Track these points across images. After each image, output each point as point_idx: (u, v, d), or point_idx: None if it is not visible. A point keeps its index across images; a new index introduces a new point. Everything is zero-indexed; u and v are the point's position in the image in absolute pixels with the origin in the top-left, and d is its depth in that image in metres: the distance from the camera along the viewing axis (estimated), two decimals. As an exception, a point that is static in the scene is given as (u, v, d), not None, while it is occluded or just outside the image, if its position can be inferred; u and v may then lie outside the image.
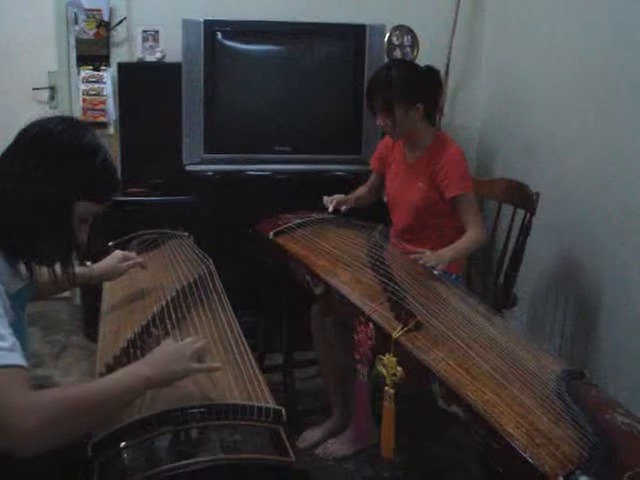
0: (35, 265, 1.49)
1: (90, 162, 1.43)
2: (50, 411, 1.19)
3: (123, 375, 1.34)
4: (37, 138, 1.40)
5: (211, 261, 2.21)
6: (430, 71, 2.65)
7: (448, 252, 2.38)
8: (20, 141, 1.41)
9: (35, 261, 1.47)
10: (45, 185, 1.37)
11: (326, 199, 2.73)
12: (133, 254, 2.11)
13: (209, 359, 1.49)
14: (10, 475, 1.33)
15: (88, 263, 1.99)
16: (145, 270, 2.10)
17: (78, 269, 1.91)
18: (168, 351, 1.40)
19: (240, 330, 1.75)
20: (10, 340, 1.24)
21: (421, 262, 2.24)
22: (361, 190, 2.88)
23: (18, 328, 1.34)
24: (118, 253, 2.05)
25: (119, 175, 1.53)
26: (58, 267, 1.50)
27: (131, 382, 1.32)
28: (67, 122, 1.47)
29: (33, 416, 1.16)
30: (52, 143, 1.40)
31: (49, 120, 1.45)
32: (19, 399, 1.18)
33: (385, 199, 2.84)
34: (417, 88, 2.55)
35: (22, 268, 1.46)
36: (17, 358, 1.23)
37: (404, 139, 2.65)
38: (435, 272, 2.22)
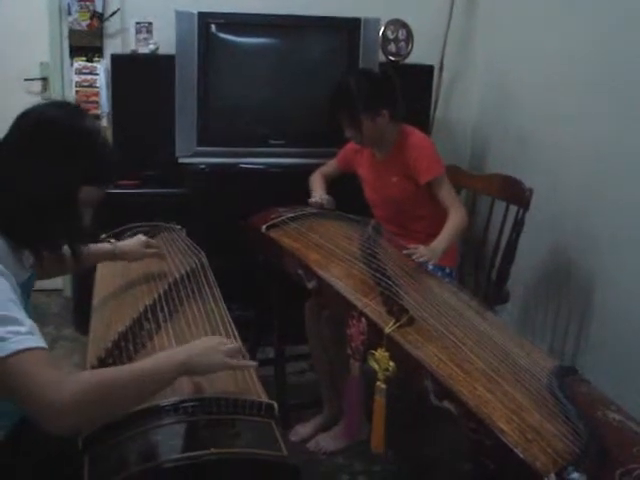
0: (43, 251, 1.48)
1: (91, 146, 1.42)
2: (82, 389, 1.19)
3: (157, 359, 1.35)
4: (38, 125, 1.39)
5: (203, 254, 2.21)
6: (386, 76, 2.66)
7: (440, 245, 2.40)
8: (20, 128, 1.40)
9: (42, 248, 1.46)
10: (50, 172, 1.35)
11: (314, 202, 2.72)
12: (155, 242, 2.17)
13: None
14: None
15: (112, 240, 2.09)
16: (137, 262, 2.10)
17: (101, 245, 2.03)
18: (208, 343, 1.42)
19: (232, 323, 1.74)
20: (27, 323, 1.23)
21: (414, 258, 2.24)
22: (322, 181, 2.87)
23: None
24: (142, 237, 2.13)
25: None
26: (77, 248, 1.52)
27: (161, 366, 1.32)
28: (65, 107, 1.48)
29: (65, 393, 1.16)
30: (54, 129, 1.39)
31: (47, 105, 1.45)
32: (47, 378, 1.17)
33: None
34: (379, 96, 2.56)
35: (26, 258, 1.45)
36: (37, 340, 1.22)
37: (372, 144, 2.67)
38: (430, 266, 2.23)
